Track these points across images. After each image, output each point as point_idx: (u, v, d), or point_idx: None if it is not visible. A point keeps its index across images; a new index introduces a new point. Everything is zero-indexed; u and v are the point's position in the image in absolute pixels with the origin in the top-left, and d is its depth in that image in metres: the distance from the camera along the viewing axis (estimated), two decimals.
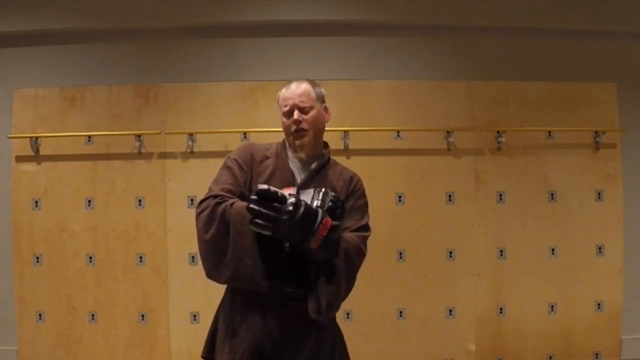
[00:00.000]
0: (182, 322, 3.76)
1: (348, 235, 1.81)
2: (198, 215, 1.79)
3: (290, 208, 1.59)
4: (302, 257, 1.76)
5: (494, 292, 3.82)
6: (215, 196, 1.79)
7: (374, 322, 3.77)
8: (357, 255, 1.82)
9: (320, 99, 1.93)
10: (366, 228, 1.90)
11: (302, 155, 1.88)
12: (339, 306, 1.80)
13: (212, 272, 1.76)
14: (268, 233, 1.61)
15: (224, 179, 1.85)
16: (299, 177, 1.88)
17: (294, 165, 1.90)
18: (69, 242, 3.79)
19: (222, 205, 1.75)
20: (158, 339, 3.77)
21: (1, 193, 3.81)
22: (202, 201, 1.81)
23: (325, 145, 1.98)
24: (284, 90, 1.92)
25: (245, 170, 1.86)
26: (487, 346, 3.81)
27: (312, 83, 1.93)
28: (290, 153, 1.92)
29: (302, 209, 1.61)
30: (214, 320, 1.91)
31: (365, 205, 1.94)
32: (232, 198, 1.79)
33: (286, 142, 1.94)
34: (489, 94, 3.86)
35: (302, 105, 1.86)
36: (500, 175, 3.84)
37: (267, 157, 1.91)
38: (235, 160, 1.89)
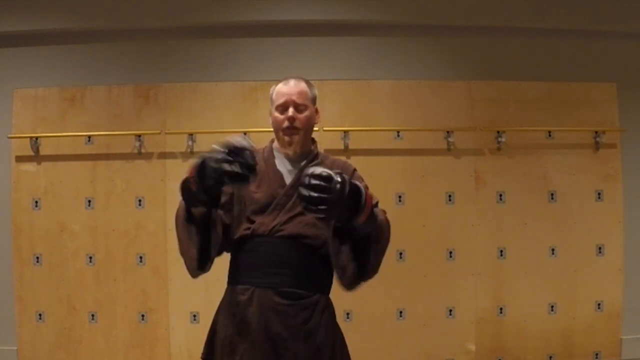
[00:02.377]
0: (182, 322, 3.76)
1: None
2: None
3: (339, 186, 1.53)
4: (303, 257, 1.77)
5: (494, 292, 3.82)
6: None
7: (374, 322, 3.77)
8: (388, 228, 1.80)
9: (314, 100, 1.93)
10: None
11: (290, 152, 1.88)
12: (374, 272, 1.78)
13: (189, 272, 1.84)
14: (322, 216, 1.55)
15: None
16: (288, 179, 1.87)
17: (283, 167, 1.89)
18: (69, 242, 3.79)
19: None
20: (158, 339, 3.77)
21: (1, 193, 3.81)
22: None
23: (313, 141, 1.96)
24: (280, 85, 1.91)
25: None
26: (487, 346, 3.81)
27: (308, 83, 1.93)
28: (278, 154, 1.91)
29: (347, 185, 1.55)
30: (213, 321, 1.90)
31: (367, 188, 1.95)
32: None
33: (274, 143, 1.94)
34: (489, 94, 3.86)
35: (298, 102, 1.85)
36: (500, 175, 3.83)
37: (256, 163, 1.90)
38: None
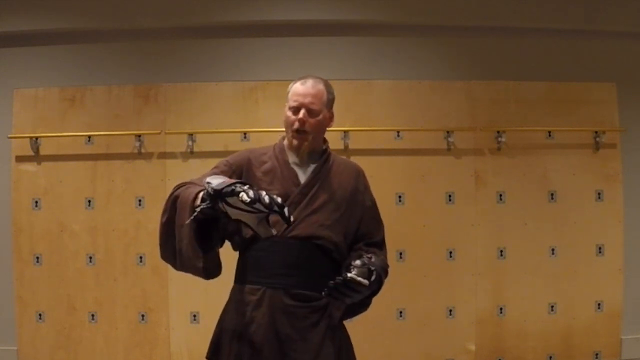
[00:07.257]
0: (182, 322, 3.75)
1: (380, 256, 1.86)
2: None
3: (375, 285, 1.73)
4: (315, 258, 1.78)
5: (494, 292, 3.82)
6: (180, 184, 1.80)
7: (374, 322, 3.76)
8: (385, 275, 1.88)
9: (330, 103, 1.90)
10: (384, 243, 1.96)
11: (297, 156, 1.87)
12: None
13: (164, 255, 1.80)
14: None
15: (206, 173, 1.84)
16: (302, 177, 1.86)
17: (296, 164, 1.88)
18: (69, 242, 3.79)
19: (178, 190, 1.76)
20: (158, 339, 3.77)
21: (1, 193, 3.81)
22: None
23: (324, 140, 1.95)
24: (298, 84, 1.86)
25: (234, 170, 1.84)
26: (487, 346, 3.81)
27: (327, 85, 1.89)
28: (290, 152, 1.89)
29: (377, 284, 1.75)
30: (219, 320, 1.89)
31: (377, 208, 1.98)
32: (193, 185, 1.76)
33: (285, 140, 1.92)
34: (489, 94, 3.85)
35: (311, 107, 1.82)
36: (500, 175, 3.83)
37: (265, 162, 1.88)
38: (226, 160, 1.89)
